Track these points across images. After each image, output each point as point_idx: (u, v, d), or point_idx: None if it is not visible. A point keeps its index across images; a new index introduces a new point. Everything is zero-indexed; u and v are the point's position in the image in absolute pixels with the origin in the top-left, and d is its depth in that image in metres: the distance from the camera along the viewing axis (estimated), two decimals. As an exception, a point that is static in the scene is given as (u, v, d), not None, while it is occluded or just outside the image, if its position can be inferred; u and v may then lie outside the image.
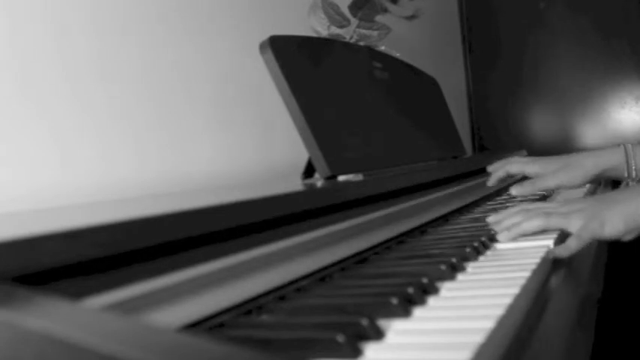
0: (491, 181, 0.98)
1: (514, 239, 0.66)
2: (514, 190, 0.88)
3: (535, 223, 0.66)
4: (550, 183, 0.89)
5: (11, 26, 0.72)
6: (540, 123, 2.28)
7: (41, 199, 0.73)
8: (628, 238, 0.64)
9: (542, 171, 0.92)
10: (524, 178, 0.97)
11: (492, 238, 0.67)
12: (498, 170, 0.96)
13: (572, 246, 0.61)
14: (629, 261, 1.47)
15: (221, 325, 0.40)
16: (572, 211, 0.67)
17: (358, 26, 1.18)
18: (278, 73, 0.75)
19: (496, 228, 0.70)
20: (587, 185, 1.11)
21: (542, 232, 0.68)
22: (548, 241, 0.62)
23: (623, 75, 2.14)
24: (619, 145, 0.93)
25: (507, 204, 0.96)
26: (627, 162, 0.90)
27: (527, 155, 1.80)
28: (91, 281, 0.34)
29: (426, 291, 0.45)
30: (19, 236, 0.30)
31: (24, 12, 0.74)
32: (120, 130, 0.85)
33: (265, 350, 0.34)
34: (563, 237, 0.65)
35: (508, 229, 0.67)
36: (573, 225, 0.65)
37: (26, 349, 0.25)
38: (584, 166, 0.90)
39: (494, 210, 0.91)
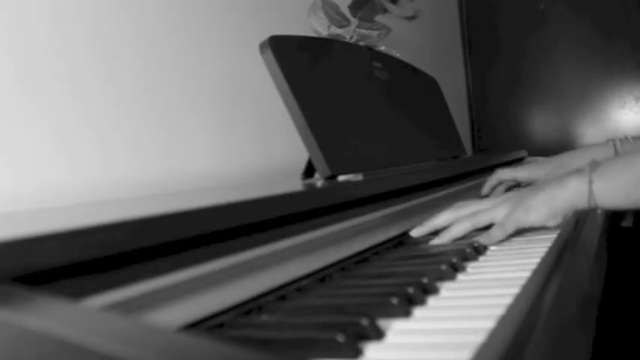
0: (485, 189, 1.00)
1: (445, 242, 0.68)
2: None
3: (462, 227, 0.67)
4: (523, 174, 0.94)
5: (11, 27, 0.72)
6: (540, 123, 2.28)
7: (42, 199, 0.73)
8: (552, 223, 0.65)
9: (533, 176, 0.95)
10: (517, 185, 0.99)
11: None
12: (492, 179, 0.99)
13: (495, 234, 0.63)
14: (629, 261, 1.47)
15: (221, 325, 0.40)
16: (499, 203, 0.68)
17: (358, 26, 1.18)
18: (278, 73, 0.75)
19: (423, 229, 0.71)
20: None
21: (542, 231, 0.68)
22: (548, 242, 0.62)
23: (623, 75, 2.14)
24: (607, 141, 0.95)
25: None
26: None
27: (527, 155, 1.81)
28: (91, 281, 0.34)
29: (426, 291, 0.45)
30: (19, 236, 0.30)
31: (24, 13, 0.74)
32: (120, 130, 0.85)
33: (265, 350, 0.34)
34: (566, 237, 0.64)
35: (440, 236, 0.68)
36: (498, 215, 0.66)
37: (26, 349, 0.25)
38: (575, 165, 0.91)
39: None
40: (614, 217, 0.91)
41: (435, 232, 0.71)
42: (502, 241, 0.65)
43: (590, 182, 0.64)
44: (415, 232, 0.72)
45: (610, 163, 0.66)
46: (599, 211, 0.69)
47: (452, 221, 0.69)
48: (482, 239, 0.63)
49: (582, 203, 0.64)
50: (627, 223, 0.67)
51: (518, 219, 0.64)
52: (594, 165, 0.66)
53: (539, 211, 0.64)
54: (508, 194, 0.72)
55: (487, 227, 0.67)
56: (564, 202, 0.65)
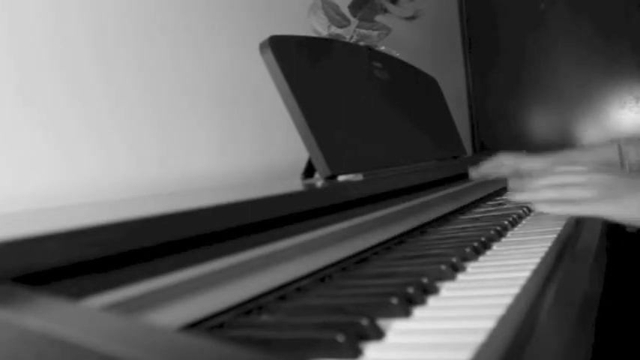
0: (483, 169, 0.99)
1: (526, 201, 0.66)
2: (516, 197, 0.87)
3: (549, 195, 0.65)
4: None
5: (11, 27, 0.72)
6: (540, 123, 2.28)
7: (42, 199, 0.73)
8: (635, 227, 0.62)
9: (536, 167, 0.94)
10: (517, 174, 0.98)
11: (492, 238, 0.67)
12: (493, 161, 0.98)
13: (570, 210, 0.61)
14: (629, 261, 1.47)
15: (221, 325, 0.40)
16: (591, 181, 0.64)
17: (358, 26, 1.18)
18: (278, 73, 0.75)
19: (526, 197, 0.69)
20: None
21: (542, 231, 0.68)
22: (548, 242, 0.62)
23: (623, 75, 2.14)
24: (611, 141, 0.94)
25: (507, 204, 0.96)
26: (621, 158, 0.91)
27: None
28: (91, 281, 0.34)
29: (426, 291, 0.45)
30: (19, 236, 0.30)
31: (24, 13, 0.74)
32: (120, 130, 0.85)
33: (265, 350, 0.34)
34: (564, 234, 0.64)
35: (549, 202, 0.65)
36: (586, 195, 0.63)
37: (26, 348, 0.25)
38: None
39: (495, 210, 0.91)
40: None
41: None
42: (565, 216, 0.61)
43: None
44: (517, 198, 0.69)
45: None
46: None
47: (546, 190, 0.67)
48: (559, 208, 0.60)
49: None
50: (632, 228, 0.65)
51: (600, 211, 0.61)
52: None
53: (630, 211, 0.60)
54: (603, 173, 0.66)
55: None
56: None
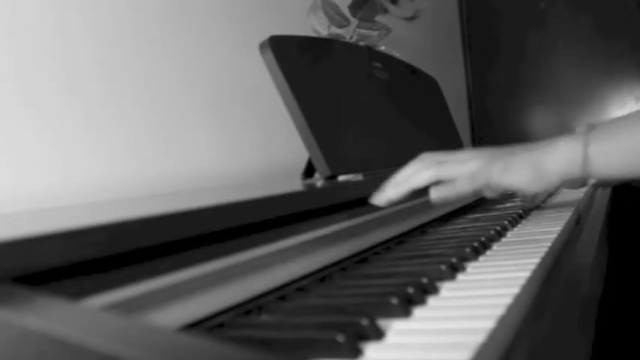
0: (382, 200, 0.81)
1: (402, 195, 0.58)
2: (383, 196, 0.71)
3: (425, 175, 0.58)
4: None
5: (11, 28, 0.72)
6: (540, 123, 2.28)
7: (41, 200, 0.73)
8: (533, 189, 0.56)
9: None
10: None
11: (492, 238, 0.67)
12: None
13: (460, 185, 0.53)
14: (629, 261, 1.47)
15: (221, 325, 0.40)
16: (470, 157, 0.58)
17: (358, 26, 1.18)
18: (278, 73, 0.75)
19: (386, 189, 0.61)
20: None
21: (542, 231, 0.68)
22: (548, 243, 0.62)
23: (623, 75, 2.14)
24: (576, 128, 0.91)
25: (507, 203, 0.96)
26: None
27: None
28: (91, 281, 0.34)
29: (426, 291, 0.45)
30: (19, 236, 0.30)
31: (24, 14, 0.74)
32: (120, 130, 0.85)
33: (265, 350, 0.34)
34: (567, 230, 0.64)
35: (397, 184, 0.58)
36: (469, 168, 0.56)
37: (26, 348, 0.25)
38: None
39: (495, 210, 0.91)
40: (616, 208, 0.90)
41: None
42: (462, 195, 0.53)
43: (587, 144, 0.53)
44: (376, 199, 0.61)
45: (610, 124, 0.54)
46: (590, 182, 0.57)
47: (416, 173, 0.59)
48: (438, 191, 0.52)
49: (574, 170, 0.54)
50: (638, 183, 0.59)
51: (493, 175, 0.55)
52: (591, 126, 0.55)
53: (520, 173, 0.55)
54: (482, 150, 0.60)
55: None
56: (552, 167, 0.55)
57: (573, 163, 0.54)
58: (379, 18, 1.21)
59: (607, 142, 0.52)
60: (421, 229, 0.77)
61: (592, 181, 0.56)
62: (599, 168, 0.53)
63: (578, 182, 0.56)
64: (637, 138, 0.51)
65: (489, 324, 0.35)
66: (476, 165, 0.56)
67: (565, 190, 1.09)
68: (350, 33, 1.18)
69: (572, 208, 0.82)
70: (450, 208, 0.90)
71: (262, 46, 0.76)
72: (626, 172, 0.52)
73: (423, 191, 0.84)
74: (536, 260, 0.54)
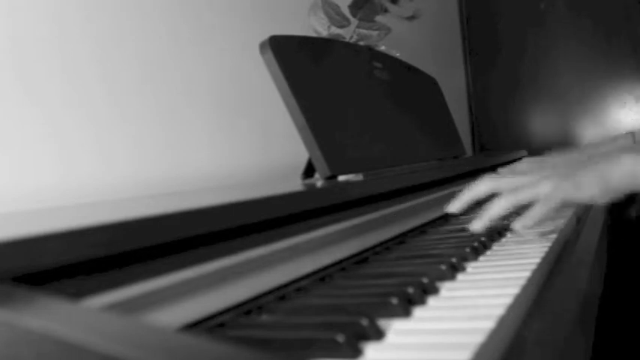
0: (454, 208, 0.88)
1: (486, 224, 0.63)
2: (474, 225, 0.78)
3: (502, 205, 0.62)
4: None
5: (12, 28, 0.72)
6: (540, 123, 2.28)
7: (41, 199, 0.73)
8: (602, 201, 0.60)
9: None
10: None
11: (492, 238, 0.67)
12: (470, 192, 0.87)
13: (539, 210, 0.57)
14: (629, 261, 1.47)
15: (221, 325, 0.40)
16: (539, 179, 0.62)
17: (358, 26, 1.18)
18: (278, 73, 0.75)
19: (459, 203, 0.67)
20: None
21: (543, 231, 0.68)
22: (549, 242, 0.62)
23: (623, 75, 2.14)
24: (626, 134, 0.94)
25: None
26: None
27: (527, 155, 1.81)
28: (91, 281, 0.34)
29: (426, 291, 0.45)
30: (19, 236, 0.30)
31: (25, 14, 0.74)
32: (120, 130, 0.85)
33: (265, 350, 0.34)
34: (567, 232, 0.64)
35: (479, 219, 0.63)
36: (542, 191, 0.60)
37: (26, 349, 0.25)
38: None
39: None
40: (616, 211, 0.90)
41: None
42: (544, 218, 0.58)
43: None
44: (452, 207, 0.67)
45: None
46: None
47: (490, 192, 0.64)
48: (522, 221, 0.56)
49: (639, 183, 0.58)
50: (633, 213, 0.64)
51: (566, 194, 0.58)
52: (638, 136, 0.59)
53: (591, 190, 0.58)
54: (546, 170, 0.65)
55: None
56: (619, 181, 0.58)
57: (638, 177, 0.58)
58: (379, 18, 1.21)
59: None
60: (421, 229, 0.77)
61: None
62: None
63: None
64: None
65: (489, 324, 0.35)
66: (548, 187, 0.60)
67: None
68: (350, 33, 1.18)
69: (573, 209, 0.82)
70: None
71: (262, 46, 0.76)
72: None
73: (423, 191, 0.84)
74: (536, 260, 0.54)
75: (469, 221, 0.83)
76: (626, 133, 0.94)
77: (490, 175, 0.66)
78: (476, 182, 0.66)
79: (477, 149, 2.38)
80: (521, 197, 0.61)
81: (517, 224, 0.58)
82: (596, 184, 0.59)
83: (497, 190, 0.63)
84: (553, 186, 0.60)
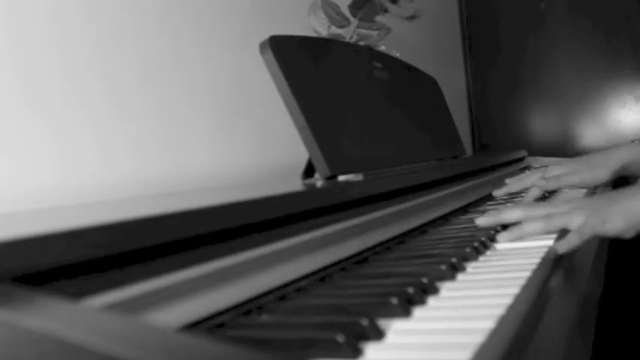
0: (500, 193, 1.03)
1: (513, 241, 0.66)
2: (538, 184, 0.92)
3: (537, 226, 0.66)
4: (575, 179, 0.93)
5: (12, 28, 0.72)
6: (540, 123, 2.28)
7: (41, 199, 0.73)
8: (628, 235, 0.64)
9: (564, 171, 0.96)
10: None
11: (492, 238, 0.67)
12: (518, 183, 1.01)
13: (572, 240, 0.61)
14: (629, 261, 1.47)
15: (221, 325, 0.40)
16: (574, 209, 0.67)
17: (358, 26, 1.18)
18: (278, 73, 0.75)
19: (489, 220, 0.72)
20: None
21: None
22: (549, 241, 0.62)
23: (623, 75, 2.14)
24: (632, 141, 0.96)
25: (507, 203, 0.96)
26: None
27: (527, 155, 1.81)
28: (91, 281, 0.34)
29: (426, 291, 0.45)
30: (19, 236, 0.30)
31: (25, 14, 0.74)
32: (120, 130, 0.85)
33: (265, 350, 0.34)
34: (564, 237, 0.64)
35: (510, 231, 0.67)
36: (575, 222, 0.65)
37: (26, 349, 0.25)
38: (608, 162, 0.94)
39: (495, 210, 0.91)
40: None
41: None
42: (575, 248, 0.63)
43: None
44: (481, 221, 0.72)
45: None
46: None
47: (523, 219, 0.69)
48: (559, 246, 0.61)
49: None
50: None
51: (596, 227, 0.63)
52: None
53: (616, 223, 0.63)
54: (579, 201, 0.71)
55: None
56: None
57: None
58: (379, 18, 1.21)
59: None
60: (421, 229, 0.77)
61: None
62: None
63: None
64: None
65: (489, 324, 0.35)
66: (580, 219, 0.64)
67: (565, 190, 1.09)
68: (350, 33, 1.18)
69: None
70: (450, 208, 0.90)
71: (262, 46, 0.76)
72: None
73: (423, 191, 0.84)
74: (536, 260, 0.54)
75: (469, 221, 0.83)
76: (631, 142, 0.96)
77: (536, 170, 0.72)
78: (509, 208, 0.72)
79: (477, 149, 2.38)
80: (554, 225, 0.66)
81: (558, 246, 0.61)
82: (622, 219, 0.63)
83: (529, 220, 0.68)
84: (585, 220, 0.64)
